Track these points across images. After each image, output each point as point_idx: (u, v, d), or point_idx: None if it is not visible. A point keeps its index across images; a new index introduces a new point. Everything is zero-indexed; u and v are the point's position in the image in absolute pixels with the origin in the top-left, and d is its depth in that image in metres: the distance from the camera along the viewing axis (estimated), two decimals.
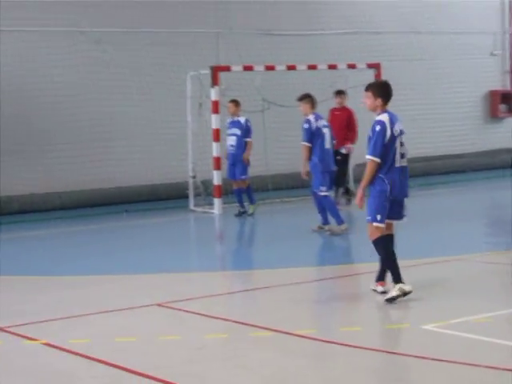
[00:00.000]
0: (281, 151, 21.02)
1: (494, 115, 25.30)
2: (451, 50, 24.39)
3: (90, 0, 19.64)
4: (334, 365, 7.82)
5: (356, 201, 10.07)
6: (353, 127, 18.07)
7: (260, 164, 18.92)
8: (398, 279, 9.71)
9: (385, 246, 9.90)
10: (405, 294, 9.66)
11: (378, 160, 9.71)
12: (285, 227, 16.56)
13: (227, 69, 18.60)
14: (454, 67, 24.43)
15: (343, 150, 17.87)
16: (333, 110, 18.23)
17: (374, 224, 9.81)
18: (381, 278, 10.13)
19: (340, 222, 14.85)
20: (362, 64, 19.68)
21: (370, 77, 19.16)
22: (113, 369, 7.68)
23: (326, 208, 14.91)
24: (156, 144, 20.32)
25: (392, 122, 9.88)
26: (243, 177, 17.50)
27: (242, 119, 17.62)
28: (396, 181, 9.86)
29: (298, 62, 19.50)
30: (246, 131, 17.46)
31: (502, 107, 25.27)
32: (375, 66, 19.61)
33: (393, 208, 9.94)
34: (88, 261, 13.67)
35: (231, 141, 17.58)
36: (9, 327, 9.22)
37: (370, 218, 9.88)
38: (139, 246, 14.95)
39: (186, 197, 18.99)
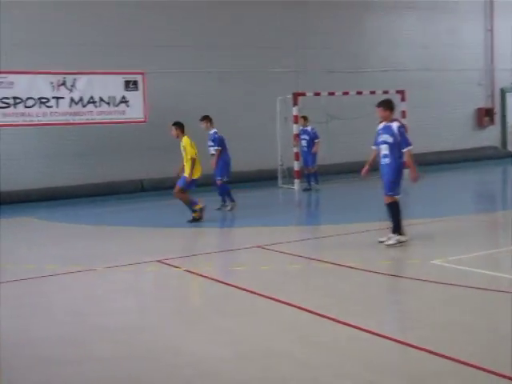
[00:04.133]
0: (339, 148, 20.98)
1: (480, 124, 24.68)
2: (454, 82, 23.83)
3: (217, 48, 19.81)
4: (371, 285, 7.80)
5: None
6: None
7: (323, 156, 18.86)
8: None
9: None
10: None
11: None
12: (338, 198, 16.54)
13: (303, 94, 18.59)
14: (456, 92, 23.90)
15: None
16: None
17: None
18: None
19: None
20: (393, 91, 19.40)
21: (397, 100, 19.01)
22: (226, 286, 7.81)
23: None
24: (257, 144, 20.34)
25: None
26: (313, 165, 17.59)
27: (309, 128, 17.74)
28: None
29: (349, 89, 19.39)
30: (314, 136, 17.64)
31: (486, 119, 24.62)
32: (401, 93, 19.34)
33: None
34: (215, 218, 13.82)
35: (303, 143, 17.77)
36: (164, 260, 9.42)
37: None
38: (246, 209, 15.03)
39: (276, 178, 19.11)
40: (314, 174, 17.70)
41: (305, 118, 17.78)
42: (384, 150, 9.67)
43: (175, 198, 13.02)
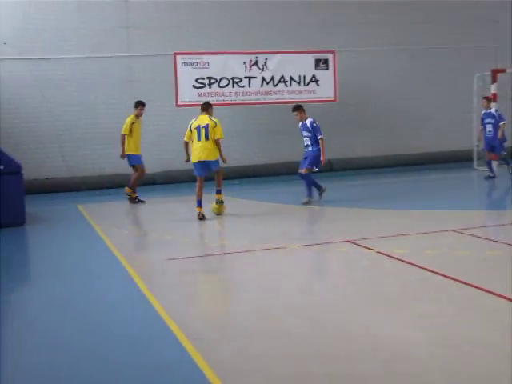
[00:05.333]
0: None
1: None
2: None
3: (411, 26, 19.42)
4: None
5: None
6: None
7: None
8: None
9: None
10: None
11: None
12: None
13: (503, 71, 17.66)
14: None
15: None
16: None
17: None
18: None
19: None
20: None
21: None
22: (421, 270, 7.64)
23: None
24: (451, 123, 19.76)
25: None
26: (500, 152, 16.37)
27: (493, 110, 16.46)
28: None
29: None
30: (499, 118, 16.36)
31: None
32: None
33: None
34: (406, 200, 13.62)
35: (488, 127, 16.46)
36: (354, 240, 9.41)
37: None
38: (438, 191, 14.64)
39: (471, 160, 18.40)
40: (506, 159, 16.48)
41: (488, 99, 16.58)
42: None
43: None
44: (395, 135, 19.44)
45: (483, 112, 16.72)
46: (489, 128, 16.50)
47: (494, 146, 16.40)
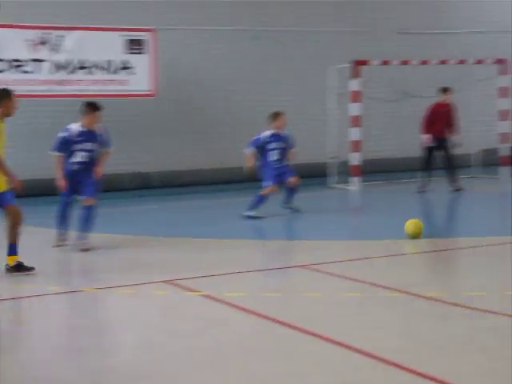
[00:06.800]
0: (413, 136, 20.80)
1: None
2: None
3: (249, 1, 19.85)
4: (457, 325, 7.59)
5: None
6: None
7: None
8: None
9: None
10: None
11: None
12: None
13: (366, 63, 18.49)
14: None
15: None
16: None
17: None
18: None
19: None
20: (491, 60, 19.22)
21: (494, 72, 18.85)
22: (258, 318, 7.74)
23: None
24: (301, 129, 20.28)
25: None
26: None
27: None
28: None
29: (429, 57, 19.31)
30: None
31: None
32: (501, 62, 19.14)
33: None
34: (241, 226, 13.79)
35: (274, 154, 14.95)
36: (174, 280, 9.39)
37: None
38: (287, 217, 14.95)
39: (326, 175, 19.02)
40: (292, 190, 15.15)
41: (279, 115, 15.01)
42: None
43: None
44: (229, 143, 19.61)
45: (271, 133, 14.84)
46: (275, 155, 14.84)
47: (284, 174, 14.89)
